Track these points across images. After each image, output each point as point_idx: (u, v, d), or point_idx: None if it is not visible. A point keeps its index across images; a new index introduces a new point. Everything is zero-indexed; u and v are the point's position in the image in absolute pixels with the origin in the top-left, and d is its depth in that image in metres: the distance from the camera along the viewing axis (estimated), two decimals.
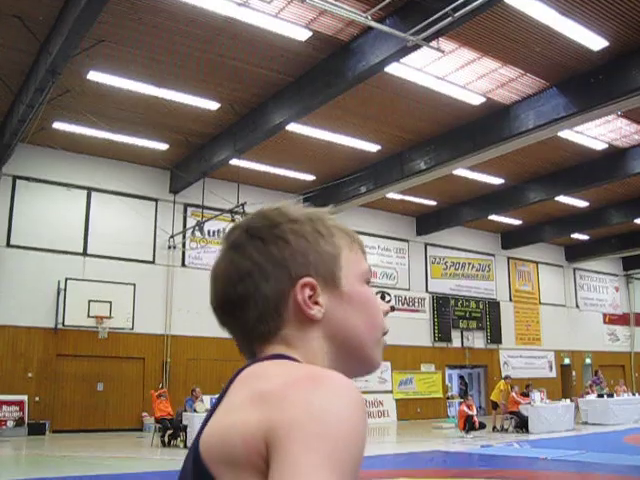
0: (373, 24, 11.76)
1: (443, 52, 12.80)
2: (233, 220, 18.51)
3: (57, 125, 17.00)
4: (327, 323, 0.96)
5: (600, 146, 18.93)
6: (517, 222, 27.15)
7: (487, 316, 28.67)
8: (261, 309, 0.95)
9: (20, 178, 18.60)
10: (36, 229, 18.53)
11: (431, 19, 11.09)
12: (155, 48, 13.47)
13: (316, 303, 0.96)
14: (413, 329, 25.71)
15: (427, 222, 26.14)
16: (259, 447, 0.76)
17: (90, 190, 19.70)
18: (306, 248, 0.98)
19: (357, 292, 1.00)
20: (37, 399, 17.91)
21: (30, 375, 18.01)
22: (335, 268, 0.99)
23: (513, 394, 19.87)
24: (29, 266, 18.25)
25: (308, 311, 0.95)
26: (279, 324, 0.96)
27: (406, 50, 12.19)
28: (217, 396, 0.93)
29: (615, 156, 19.53)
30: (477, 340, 28.03)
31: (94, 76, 14.40)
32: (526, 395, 19.96)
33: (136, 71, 14.32)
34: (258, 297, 0.95)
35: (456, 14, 10.84)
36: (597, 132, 18.10)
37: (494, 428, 19.78)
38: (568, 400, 21.87)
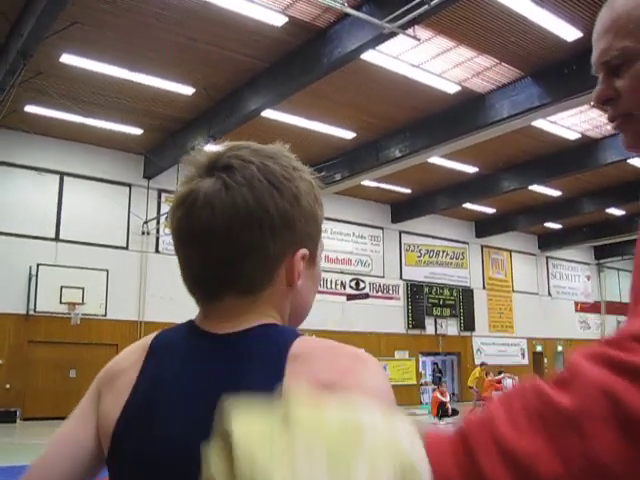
0: (350, 11, 11.73)
1: (419, 40, 12.80)
2: None
3: (29, 108, 16.74)
4: (295, 292, 0.97)
5: (573, 136, 19.09)
6: (491, 211, 27.33)
7: (461, 303, 28.89)
8: (257, 267, 0.91)
9: None
10: (7, 214, 18.27)
11: (407, 7, 11.09)
12: (129, 31, 13.30)
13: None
14: (387, 316, 25.84)
15: (402, 210, 26.22)
16: None
17: (62, 175, 19.46)
18: (309, 215, 0.95)
19: (319, 270, 1.03)
20: (8, 386, 17.71)
21: (0, 362, 17.82)
22: (318, 244, 1.01)
23: (488, 379, 20.13)
24: (0, 251, 18.01)
25: (297, 282, 0.95)
26: (265, 285, 0.93)
27: (382, 37, 12.18)
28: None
29: (588, 146, 19.71)
30: (450, 327, 28.25)
31: (67, 59, 14.19)
32: (498, 382, 20.22)
33: (110, 54, 14.13)
34: (261, 254, 0.91)
35: (432, 2, 10.85)
36: (571, 122, 18.25)
37: None
38: None
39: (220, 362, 0.90)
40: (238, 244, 0.89)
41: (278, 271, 0.93)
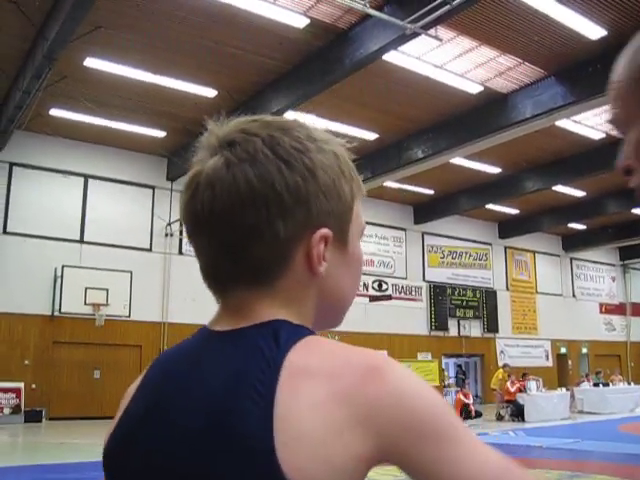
0: (371, 12, 11.72)
1: (441, 40, 12.76)
2: None
3: (54, 112, 16.92)
4: (323, 280, 0.86)
5: (597, 136, 18.92)
6: (514, 211, 27.17)
7: (484, 305, 28.73)
8: (267, 250, 0.82)
9: (17, 165, 18.55)
10: (33, 216, 18.49)
11: (429, 7, 11.07)
12: (152, 35, 13.39)
13: (323, 258, 0.84)
14: (410, 318, 25.77)
15: (424, 211, 26.13)
16: (374, 461, 0.73)
17: (87, 177, 19.65)
18: (330, 190, 0.85)
19: (356, 252, 0.91)
20: (34, 386, 17.91)
21: (27, 362, 18.02)
22: (349, 222, 0.89)
23: (508, 383, 20.00)
24: (26, 253, 18.22)
25: (317, 267, 0.84)
26: (279, 273, 0.83)
27: (404, 38, 12.15)
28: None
29: (612, 146, 19.48)
30: (474, 329, 28.10)
31: (91, 62, 14.33)
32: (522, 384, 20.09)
33: (133, 58, 14.24)
34: (268, 235, 0.81)
35: (454, 2, 10.81)
36: (595, 122, 18.08)
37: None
38: (564, 389, 21.98)
39: (213, 364, 0.80)
40: (243, 226, 0.81)
41: (294, 256, 0.83)
